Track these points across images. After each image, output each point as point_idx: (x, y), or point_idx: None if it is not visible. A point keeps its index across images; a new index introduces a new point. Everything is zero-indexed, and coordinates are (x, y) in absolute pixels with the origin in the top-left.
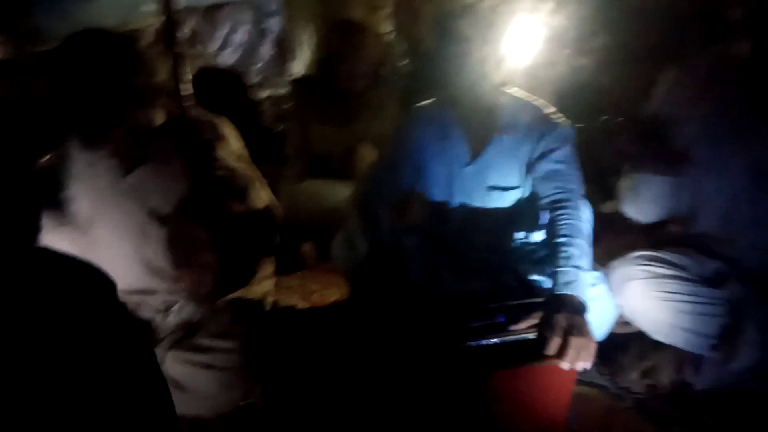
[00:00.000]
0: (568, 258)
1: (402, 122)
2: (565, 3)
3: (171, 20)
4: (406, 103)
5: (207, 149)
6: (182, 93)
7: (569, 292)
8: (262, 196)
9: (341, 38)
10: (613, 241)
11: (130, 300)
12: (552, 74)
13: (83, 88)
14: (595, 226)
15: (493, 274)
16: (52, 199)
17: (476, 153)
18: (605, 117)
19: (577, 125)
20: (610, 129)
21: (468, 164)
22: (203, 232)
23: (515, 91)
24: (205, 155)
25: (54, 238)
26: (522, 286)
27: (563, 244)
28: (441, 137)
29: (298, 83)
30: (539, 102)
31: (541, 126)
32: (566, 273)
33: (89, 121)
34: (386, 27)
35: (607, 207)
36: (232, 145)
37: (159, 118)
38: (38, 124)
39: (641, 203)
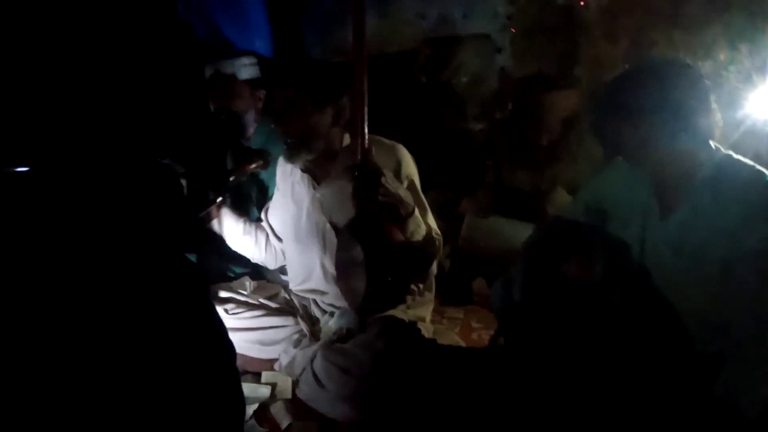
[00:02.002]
0: None
1: (593, 175)
2: None
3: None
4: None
5: (377, 175)
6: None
7: None
8: (423, 224)
9: (527, 93)
10: None
11: (306, 297)
12: None
13: (290, 106)
14: None
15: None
16: (259, 198)
17: (666, 213)
18: None
19: None
20: None
21: (657, 224)
22: (360, 253)
23: (729, 154)
24: (374, 180)
25: (255, 231)
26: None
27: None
28: (631, 195)
29: (502, 122)
30: (758, 169)
31: (752, 197)
32: None
33: (293, 136)
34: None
35: None
36: (405, 171)
37: (345, 138)
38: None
39: None
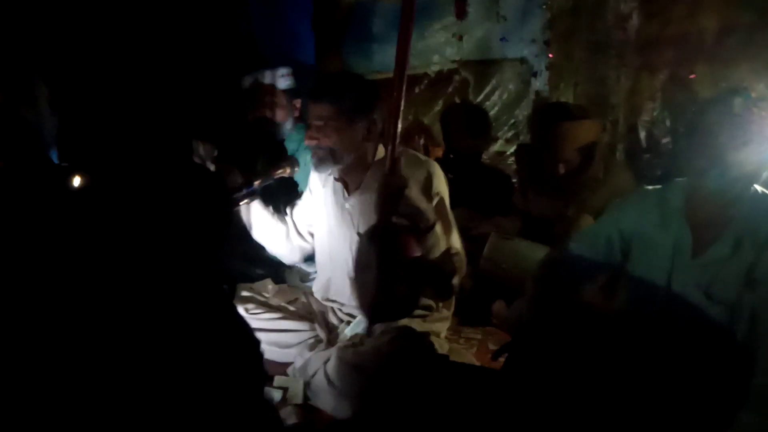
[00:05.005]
0: None
1: (619, 202)
2: None
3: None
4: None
5: (400, 184)
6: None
7: None
8: (443, 241)
9: (544, 122)
10: None
11: (326, 305)
12: None
13: (323, 119)
14: None
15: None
16: (288, 202)
17: (700, 250)
18: None
19: None
20: None
21: (690, 260)
22: (374, 259)
23: (766, 193)
24: (397, 190)
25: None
26: None
27: None
28: (660, 228)
29: (527, 147)
30: None
31: None
32: None
33: (322, 147)
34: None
35: None
36: (435, 188)
37: (378, 152)
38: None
39: None
